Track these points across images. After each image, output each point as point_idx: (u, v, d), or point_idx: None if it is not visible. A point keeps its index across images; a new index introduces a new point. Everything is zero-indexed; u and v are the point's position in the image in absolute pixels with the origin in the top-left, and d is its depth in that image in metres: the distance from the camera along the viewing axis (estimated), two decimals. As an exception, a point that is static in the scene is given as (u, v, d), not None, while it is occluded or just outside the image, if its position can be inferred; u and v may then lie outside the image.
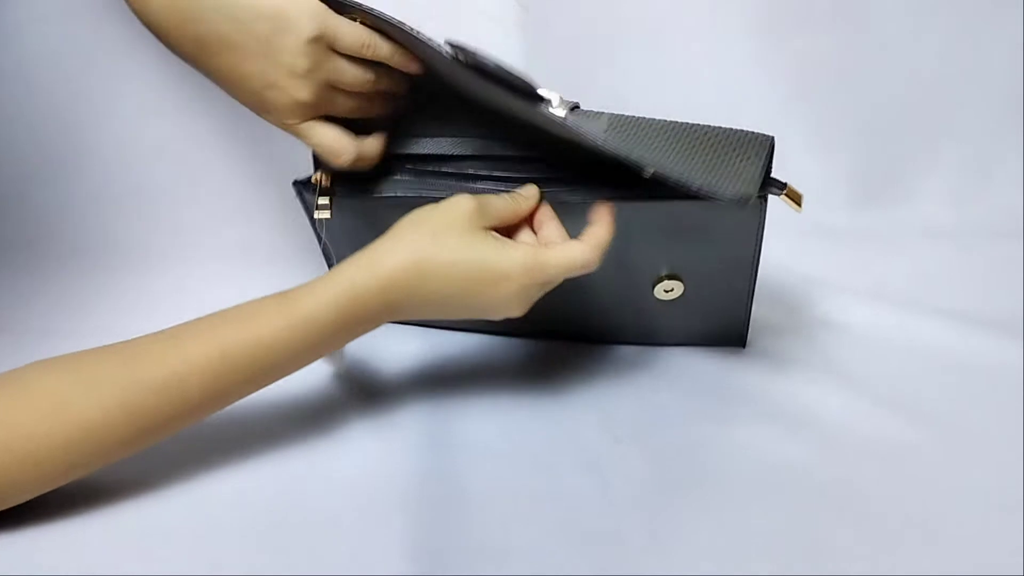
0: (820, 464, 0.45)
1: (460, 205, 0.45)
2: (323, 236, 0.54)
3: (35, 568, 0.39)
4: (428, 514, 0.42)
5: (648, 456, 0.47)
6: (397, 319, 0.46)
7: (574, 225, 0.47)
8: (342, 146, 0.49)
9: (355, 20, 0.47)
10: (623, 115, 0.48)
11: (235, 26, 0.45)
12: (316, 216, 0.52)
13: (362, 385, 0.55)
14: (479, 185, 0.51)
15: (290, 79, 0.46)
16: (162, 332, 0.43)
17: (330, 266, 0.58)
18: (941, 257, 0.70)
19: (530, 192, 0.48)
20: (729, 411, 0.51)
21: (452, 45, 0.44)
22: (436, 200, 0.46)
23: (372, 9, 0.46)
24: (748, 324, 0.55)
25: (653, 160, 0.43)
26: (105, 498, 0.43)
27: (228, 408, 0.44)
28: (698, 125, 0.46)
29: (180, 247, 0.74)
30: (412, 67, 0.49)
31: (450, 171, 0.52)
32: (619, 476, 0.45)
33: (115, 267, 0.71)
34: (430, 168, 0.52)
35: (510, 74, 0.44)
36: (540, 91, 0.46)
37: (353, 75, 0.47)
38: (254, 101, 0.48)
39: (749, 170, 0.44)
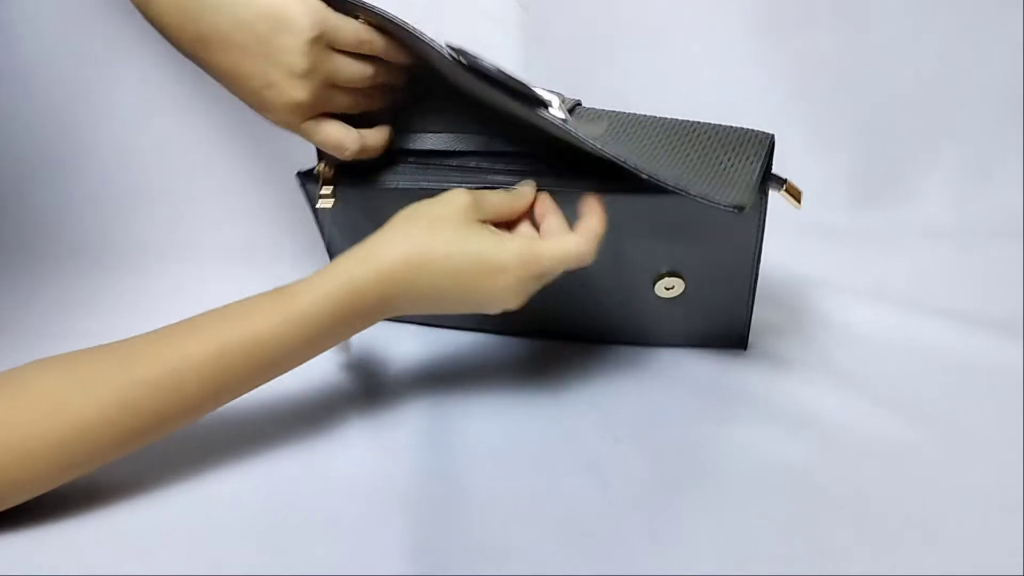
0: (820, 464, 0.45)
1: (456, 199, 0.45)
2: (327, 226, 0.54)
3: (34, 568, 0.39)
4: (428, 514, 0.42)
5: (648, 456, 0.47)
6: (395, 314, 0.46)
7: (576, 216, 0.47)
8: (345, 140, 0.49)
9: (358, 18, 0.47)
10: (624, 113, 0.48)
11: (236, 25, 0.45)
12: (319, 206, 0.52)
13: (362, 385, 0.55)
14: (481, 177, 0.51)
15: (289, 79, 0.46)
16: (159, 330, 0.43)
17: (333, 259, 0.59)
18: (941, 257, 0.70)
19: (527, 189, 0.48)
20: (729, 411, 0.51)
21: (453, 49, 0.44)
22: (437, 191, 0.46)
23: (376, 8, 0.46)
24: (749, 324, 0.55)
25: (650, 168, 0.43)
26: (104, 498, 0.43)
27: (227, 408, 0.44)
28: (698, 123, 0.46)
29: (179, 247, 0.74)
30: (403, 58, 0.49)
31: (453, 164, 0.52)
32: (619, 476, 0.45)
33: (114, 267, 0.71)
34: (433, 162, 0.52)
35: (510, 79, 0.44)
36: (540, 93, 0.46)
37: (351, 71, 0.47)
38: (254, 100, 0.48)
39: (747, 174, 0.44)
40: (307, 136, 0.49)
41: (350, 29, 0.46)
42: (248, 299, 0.44)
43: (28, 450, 0.39)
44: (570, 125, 0.45)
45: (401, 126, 0.53)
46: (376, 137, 0.51)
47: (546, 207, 0.47)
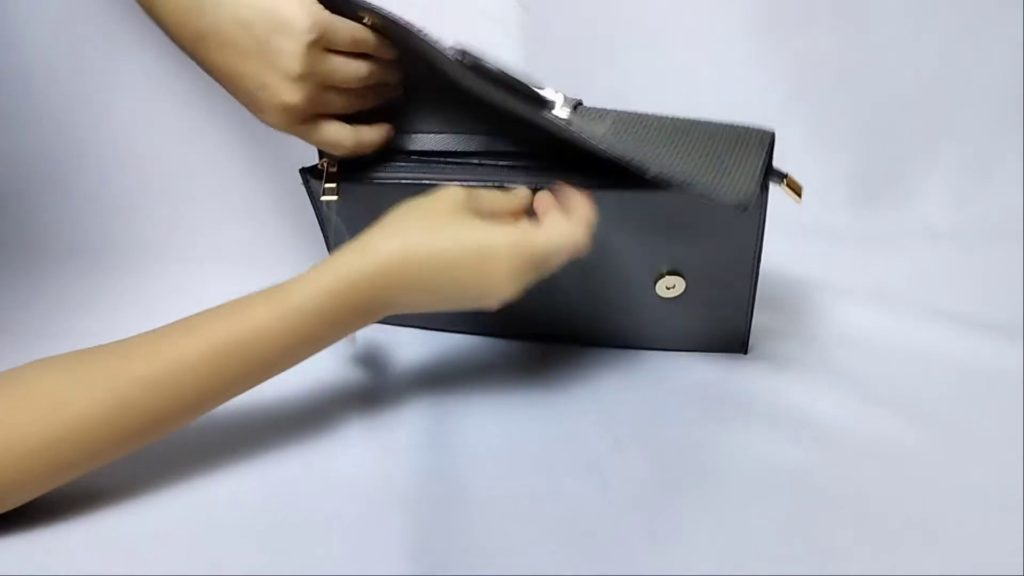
0: (820, 465, 0.45)
1: (451, 194, 0.45)
2: (333, 218, 0.54)
3: (34, 569, 0.39)
4: (428, 514, 0.42)
5: (648, 457, 0.47)
6: (393, 311, 0.45)
7: None
8: (340, 137, 0.49)
9: (362, 19, 0.47)
10: (625, 112, 0.48)
11: (236, 24, 0.45)
12: (324, 199, 0.52)
13: (362, 385, 0.55)
14: (484, 173, 0.51)
15: (283, 82, 0.46)
16: (156, 330, 0.43)
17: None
18: (941, 258, 0.70)
19: (523, 191, 0.48)
20: (729, 412, 0.51)
21: (456, 51, 0.44)
22: (439, 187, 0.46)
23: (380, 9, 0.46)
24: (750, 327, 0.55)
25: (655, 164, 0.43)
26: (104, 499, 0.43)
27: (227, 408, 0.44)
28: (699, 121, 0.47)
29: (179, 247, 0.74)
30: (390, 54, 0.50)
31: (457, 162, 0.52)
32: (619, 477, 0.45)
33: (114, 267, 0.71)
34: (436, 160, 0.53)
35: (514, 80, 0.44)
36: (543, 94, 0.46)
37: (347, 72, 0.48)
38: (248, 100, 0.48)
39: (749, 170, 0.44)
40: (302, 136, 0.49)
41: (346, 29, 0.47)
42: (244, 297, 0.44)
43: (27, 449, 0.39)
44: (573, 126, 0.45)
45: (403, 127, 0.53)
46: (372, 133, 0.51)
47: (547, 204, 0.47)
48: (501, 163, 0.51)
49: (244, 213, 0.75)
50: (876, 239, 0.74)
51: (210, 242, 0.74)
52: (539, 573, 0.39)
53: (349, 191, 0.53)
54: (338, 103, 0.49)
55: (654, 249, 0.51)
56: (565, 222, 0.45)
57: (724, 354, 0.57)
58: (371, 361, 0.58)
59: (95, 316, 0.65)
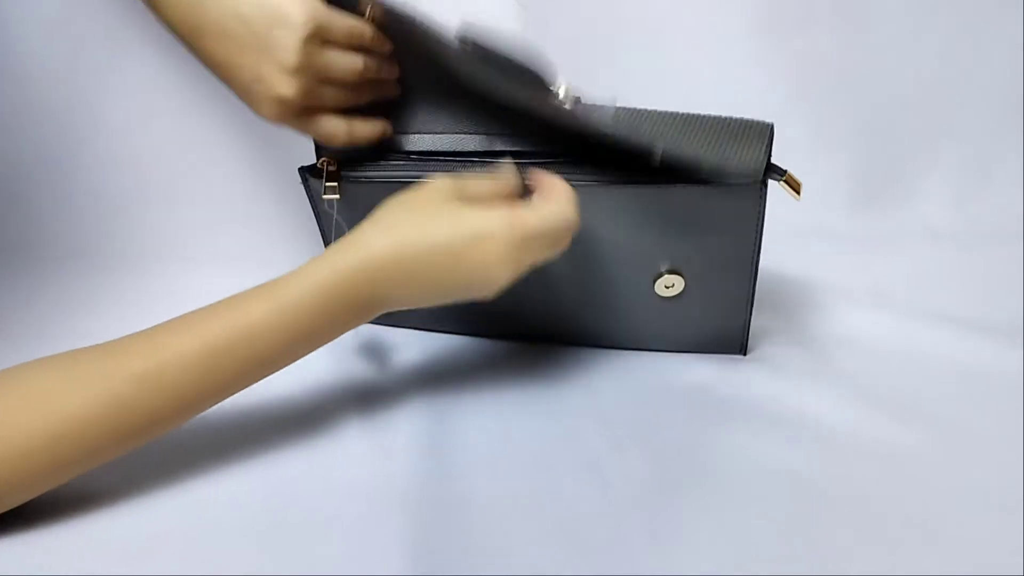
0: (819, 467, 0.45)
1: (438, 184, 0.45)
2: (334, 216, 0.54)
3: (33, 569, 0.39)
4: (427, 515, 0.42)
5: (647, 458, 0.47)
6: (389, 307, 0.45)
7: (579, 205, 0.47)
8: (334, 128, 0.50)
9: (364, 11, 0.47)
10: (625, 108, 0.49)
11: (235, 16, 0.46)
12: (325, 197, 0.52)
13: (361, 386, 0.55)
14: (483, 168, 0.51)
15: (279, 74, 0.46)
16: (151, 328, 0.43)
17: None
18: (941, 259, 0.70)
19: (507, 170, 0.47)
20: (728, 414, 0.51)
21: (462, 37, 0.44)
22: None
23: (384, 0, 0.46)
24: (748, 328, 0.55)
25: (661, 143, 0.44)
26: (103, 500, 0.43)
27: (226, 409, 0.44)
28: (699, 115, 0.47)
29: (177, 249, 0.74)
30: (386, 47, 0.50)
31: (455, 161, 0.52)
32: (618, 478, 0.45)
33: (112, 268, 0.71)
34: (434, 160, 0.53)
35: (521, 61, 0.44)
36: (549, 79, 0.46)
37: (343, 65, 0.48)
38: (243, 93, 0.48)
39: (754, 153, 0.45)
40: (296, 128, 0.49)
41: (343, 23, 0.47)
42: (238, 293, 0.44)
43: (24, 448, 0.39)
44: (578, 112, 0.45)
45: (402, 128, 0.53)
46: (366, 127, 0.51)
47: (537, 184, 0.47)
48: (501, 163, 0.51)
49: (243, 213, 0.75)
50: (876, 239, 0.74)
51: (209, 242, 0.74)
52: (538, 573, 0.38)
53: (349, 190, 0.53)
54: (333, 97, 0.49)
55: (654, 247, 0.51)
56: (555, 200, 0.45)
57: (723, 355, 0.57)
58: (373, 352, 0.58)
59: (94, 316, 0.65)
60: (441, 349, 0.59)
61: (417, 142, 0.53)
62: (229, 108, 0.71)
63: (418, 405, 0.52)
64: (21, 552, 0.40)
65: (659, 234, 0.50)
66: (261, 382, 0.44)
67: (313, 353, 0.45)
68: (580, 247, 0.51)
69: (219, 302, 0.43)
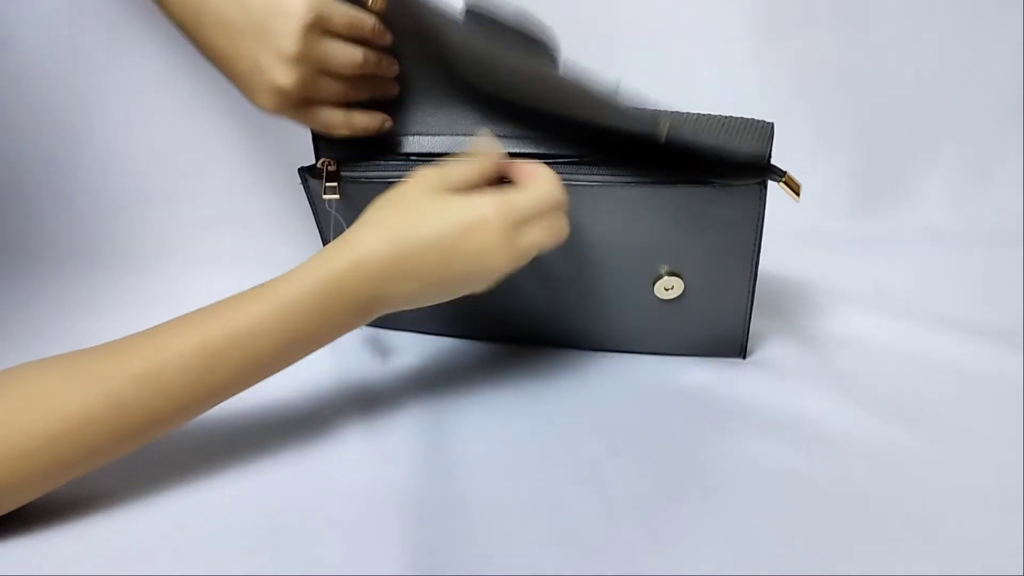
0: (819, 469, 0.45)
1: (422, 177, 0.45)
2: (335, 216, 0.54)
3: (32, 570, 0.39)
4: (425, 521, 0.42)
5: (646, 461, 0.47)
6: (388, 306, 0.45)
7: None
8: (332, 119, 0.50)
9: (367, 1, 0.48)
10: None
11: (236, 6, 0.46)
12: (326, 196, 0.52)
13: (360, 391, 0.55)
14: None
15: (278, 63, 0.46)
16: (149, 329, 0.43)
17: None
18: (941, 261, 0.70)
19: (486, 145, 0.46)
20: (727, 417, 0.51)
21: (468, 6, 0.44)
22: None
23: None
24: (748, 332, 0.55)
25: (665, 117, 0.44)
26: (102, 503, 0.43)
27: (225, 413, 0.44)
28: (701, 114, 0.47)
29: (176, 250, 0.73)
30: (387, 39, 0.50)
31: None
32: (617, 482, 0.45)
33: (112, 268, 0.71)
34: (435, 158, 0.53)
35: (526, 29, 0.44)
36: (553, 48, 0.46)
37: (343, 56, 0.48)
38: (241, 83, 0.49)
39: (756, 142, 0.45)
40: (294, 119, 0.49)
41: (343, 13, 0.47)
42: (235, 295, 0.43)
43: (24, 448, 0.39)
44: (583, 78, 0.45)
45: (402, 130, 0.53)
46: (365, 119, 0.51)
47: (523, 170, 0.46)
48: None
49: (242, 214, 0.75)
50: (875, 241, 0.74)
51: (209, 243, 0.74)
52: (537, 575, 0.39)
53: (349, 190, 0.53)
54: (331, 89, 0.49)
55: (653, 249, 0.51)
56: (538, 181, 0.44)
57: (722, 358, 0.57)
58: (368, 367, 0.57)
59: (94, 316, 0.65)
60: (440, 352, 0.59)
61: (416, 143, 0.53)
62: (229, 108, 0.71)
63: (417, 408, 0.52)
64: (20, 555, 0.40)
65: (659, 236, 0.50)
66: (260, 385, 0.44)
67: (312, 356, 0.45)
68: (579, 249, 0.51)
69: (216, 303, 0.43)
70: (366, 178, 0.53)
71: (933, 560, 0.39)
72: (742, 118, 0.46)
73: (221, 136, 0.73)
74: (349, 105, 0.51)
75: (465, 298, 0.46)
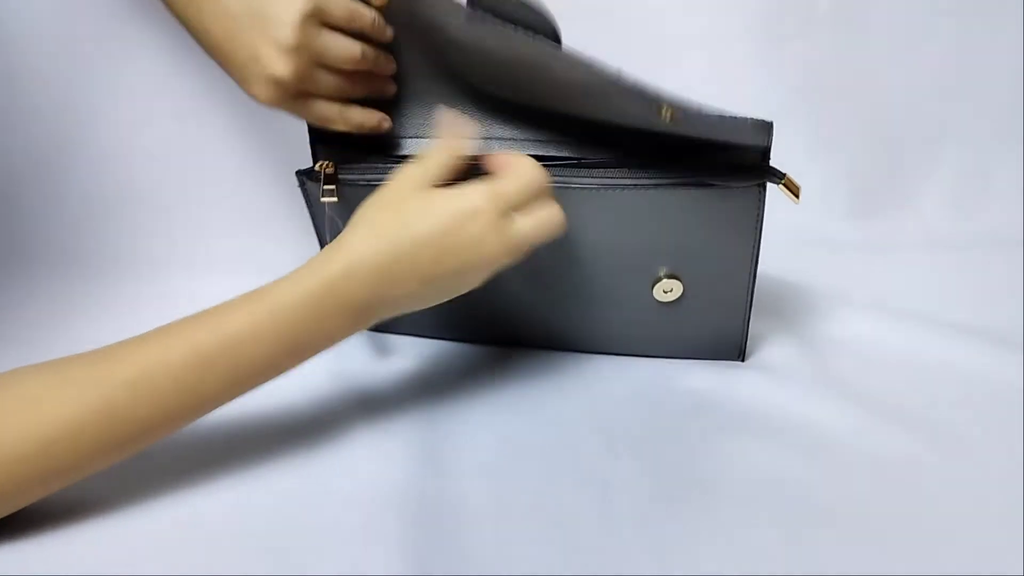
0: (818, 474, 0.45)
1: (407, 175, 0.44)
2: (334, 219, 0.54)
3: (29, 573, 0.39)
4: (425, 524, 0.42)
5: (645, 465, 0.47)
6: (384, 312, 0.45)
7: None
8: (327, 112, 0.50)
9: None
10: None
11: None
12: (324, 200, 0.52)
13: (358, 396, 0.54)
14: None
15: (275, 53, 0.46)
16: (141, 335, 0.42)
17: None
18: (940, 263, 0.70)
19: (453, 125, 0.46)
20: (726, 421, 0.51)
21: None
22: None
23: None
24: (747, 334, 0.55)
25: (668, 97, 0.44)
26: (98, 510, 0.43)
27: (222, 419, 0.44)
28: (701, 104, 0.47)
29: (172, 255, 0.73)
30: (388, 35, 0.50)
31: None
32: (616, 485, 0.45)
33: (107, 273, 0.71)
34: None
35: (531, 8, 0.44)
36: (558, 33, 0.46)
37: (340, 49, 0.48)
38: (238, 74, 0.48)
39: (757, 135, 0.45)
40: (290, 111, 0.49)
41: (343, 4, 0.47)
42: (226, 301, 0.43)
43: (16, 454, 0.38)
44: (586, 59, 0.45)
45: (401, 132, 0.53)
46: (361, 114, 0.51)
47: (503, 162, 0.46)
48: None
49: (239, 217, 0.75)
50: (875, 244, 0.74)
51: (206, 250, 0.74)
52: (536, 580, 0.38)
53: (346, 193, 0.53)
54: (328, 83, 0.49)
55: (652, 251, 0.51)
56: (520, 170, 0.44)
57: (721, 361, 0.56)
58: (367, 372, 0.57)
59: (88, 321, 0.64)
60: (440, 355, 0.59)
61: (415, 145, 0.53)
62: (225, 112, 0.71)
63: (416, 412, 0.52)
64: (17, 559, 0.40)
65: (657, 238, 0.50)
66: (258, 391, 0.44)
67: (309, 362, 0.45)
68: (578, 251, 0.51)
69: (209, 308, 0.43)
70: (364, 181, 0.52)
71: (933, 561, 0.38)
72: (740, 118, 0.46)
73: (217, 139, 0.73)
74: (346, 101, 0.50)
75: (465, 301, 0.46)
